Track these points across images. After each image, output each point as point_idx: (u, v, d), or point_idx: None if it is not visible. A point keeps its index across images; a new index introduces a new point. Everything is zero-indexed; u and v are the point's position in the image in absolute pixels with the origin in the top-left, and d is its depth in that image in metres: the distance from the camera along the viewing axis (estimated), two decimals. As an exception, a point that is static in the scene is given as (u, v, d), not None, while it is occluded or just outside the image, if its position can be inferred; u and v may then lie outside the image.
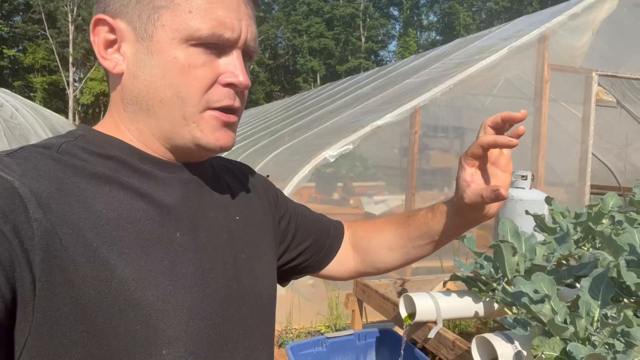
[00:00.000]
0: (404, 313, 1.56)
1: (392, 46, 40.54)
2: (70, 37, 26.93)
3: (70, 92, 26.91)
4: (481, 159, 0.74)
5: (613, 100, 5.03)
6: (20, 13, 29.67)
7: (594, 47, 4.49)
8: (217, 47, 0.59)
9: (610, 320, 1.08)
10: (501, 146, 0.71)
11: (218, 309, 0.61)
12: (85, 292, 0.50)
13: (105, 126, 0.64)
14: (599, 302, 1.14)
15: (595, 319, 1.13)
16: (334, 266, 0.92)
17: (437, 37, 36.96)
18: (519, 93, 4.93)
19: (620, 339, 1.05)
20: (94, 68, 27.61)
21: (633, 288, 1.17)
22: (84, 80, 27.96)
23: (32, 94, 27.54)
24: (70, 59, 27.15)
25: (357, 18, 35.56)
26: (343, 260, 0.92)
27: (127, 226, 0.55)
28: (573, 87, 4.55)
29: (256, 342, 0.68)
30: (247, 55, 0.64)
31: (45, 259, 0.49)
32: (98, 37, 0.61)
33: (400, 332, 1.83)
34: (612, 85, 5.10)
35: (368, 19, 35.99)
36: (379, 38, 37.67)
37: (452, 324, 2.71)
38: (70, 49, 27.00)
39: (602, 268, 1.20)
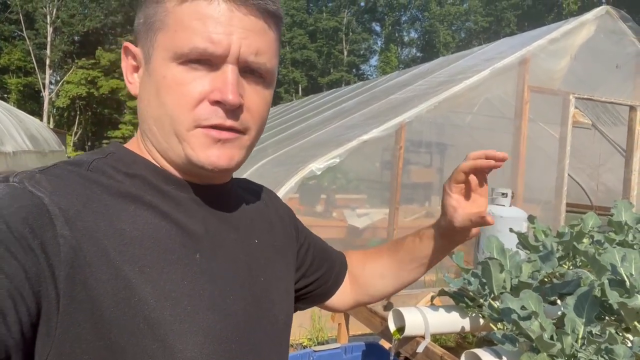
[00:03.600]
0: (392, 327, 1.58)
1: (374, 60, 41.10)
2: (49, 39, 26.40)
3: (45, 94, 26.31)
4: (464, 184, 0.80)
5: (588, 122, 5.21)
6: (-3, 12, 29.01)
7: (572, 70, 4.67)
8: (207, 63, 0.58)
9: (595, 338, 1.12)
10: (481, 167, 0.77)
11: (234, 332, 0.61)
12: (106, 309, 0.51)
13: (132, 144, 0.66)
14: (584, 320, 1.19)
15: (581, 336, 1.17)
16: (337, 296, 0.94)
17: (418, 54, 37.62)
18: (499, 113, 5.06)
19: (605, 356, 1.10)
20: (71, 71, 27.12)
21: (615, 307, 1.22)
22: (60, 83, 27.42)
23: (6, 95, 26.86)
24: (47, 61, 26.60)
25: (340, 32, 35.95)
26: (343, 291, 0.95)
27: (149, 245, 0.56)
28: (551, 109, 4.70)
29: None
30: (249, 70, 0.60)
31: (70, 275, 0.49)
32: (126, 63, 0.64)
33: (387, 345, 1.85)
34: (588, 107, 5.29)
35: (351, 33, 36.42)
36: (361, 52, 38.12)
37: (432, 338, 2.74)
38: (48, 51, 26.45)
39: (585, 287, 1.25)
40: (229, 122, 0.59)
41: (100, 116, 29.54)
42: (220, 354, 0.58)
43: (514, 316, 1.22)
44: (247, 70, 0.60)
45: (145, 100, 0.61)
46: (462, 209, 0.79)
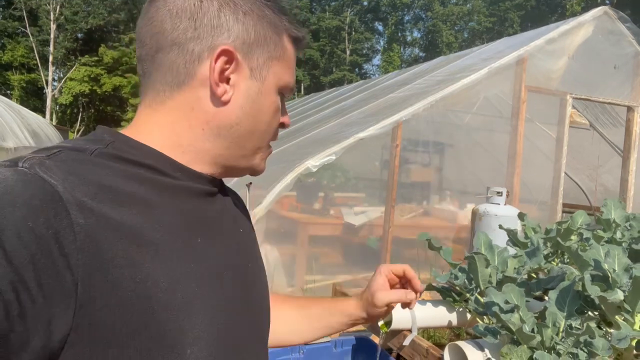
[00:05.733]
0: (380, 321, 1.60)
1: (376, 60, 41.09)
2: (52, 35, 26.46)
3: (48, 91, 26.39)
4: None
5: (586, 122, 5.21)
6: (1, 9, 29.12)
7: (570, 70, 4.67)
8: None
9: (574, 331, 1.14)
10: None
11: (233, 313, 0.65)
12: (123, 293, 0.52)
13: (144, 135, 0.64)
14: (565, 314, 1.21)
15: (561, 329, 1.19)
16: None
17: (421, 54, 37.59)
18: (496, 112, 5.07)
19: (584, 348, 1.12)
20: (74, 68, 27.18)
21: (596, 301, 1.24)
22: (63, 80, 27.50)
23: (9, 92, 26.94)
24: (50, 58, 26.67)
25: (343, 31, 35.96)
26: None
27: (159, 229, 0.57)
28: (548, 108, 4.71)
29: (260, 348, 0.73)
30: None
31: (87, 263, 0.50)
32: (219, 65, 0.63)
33: (376, 340, 1.87)
34: (586, 108, 5.29)
35: (353, 33, 36.43)
36: (364, 52, 38.14)
37: (427, 334, 2.76)
38: (51, 48, 26.52)
39: (568, 281, 1.27)
40: None
41: (103, 113, 29.62)
42: (223, 333, 0.62)
43: (496, 309, 1.24)
44: None
45: (249, 115, 0.68)
46: (385, 290, 0.93)
